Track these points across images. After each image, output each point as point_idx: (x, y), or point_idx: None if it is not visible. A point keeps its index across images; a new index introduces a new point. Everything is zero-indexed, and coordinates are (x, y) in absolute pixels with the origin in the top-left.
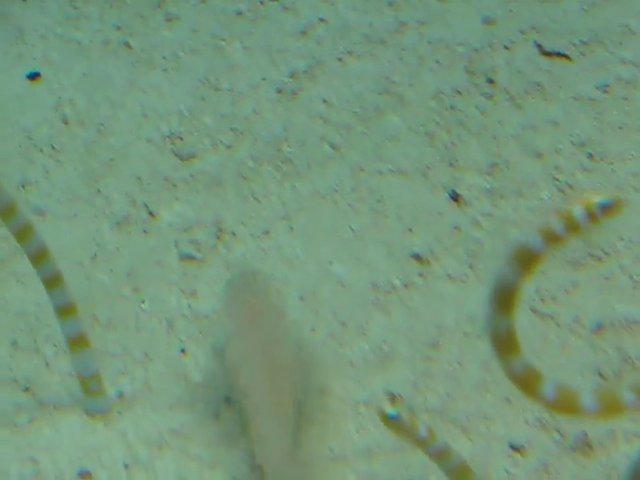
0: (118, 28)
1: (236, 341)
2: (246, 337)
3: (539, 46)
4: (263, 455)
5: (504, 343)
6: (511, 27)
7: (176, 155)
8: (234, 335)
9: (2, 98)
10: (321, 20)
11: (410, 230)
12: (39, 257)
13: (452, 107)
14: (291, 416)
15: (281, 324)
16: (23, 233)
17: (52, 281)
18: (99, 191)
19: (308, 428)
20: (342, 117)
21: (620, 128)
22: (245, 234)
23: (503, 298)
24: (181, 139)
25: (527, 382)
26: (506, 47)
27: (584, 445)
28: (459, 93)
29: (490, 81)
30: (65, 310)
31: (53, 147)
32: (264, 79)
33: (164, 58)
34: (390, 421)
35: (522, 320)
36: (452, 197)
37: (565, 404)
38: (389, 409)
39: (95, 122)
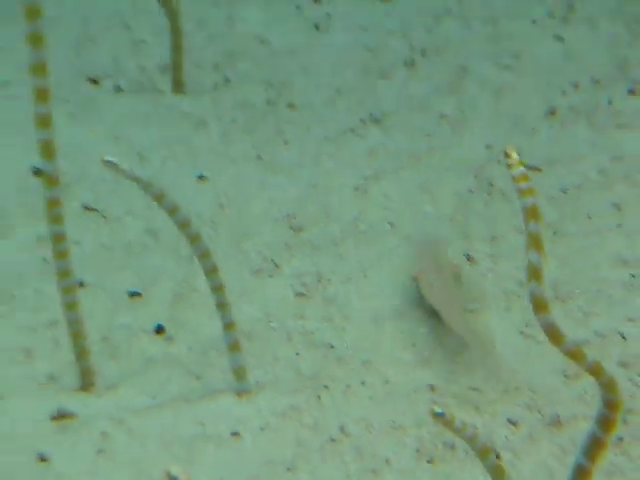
0: (254, 147)
1: (424, 272)
2: (431, 268)
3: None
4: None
5: (540, 304)
6: (503, 150)
7: (291, 228)
8: (423, 269)
9: (181, 192)
10: (382, 144)
11: None
12: (218, 289)
13: (466, 201)
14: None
15: (448, 261)
16: (211, 272)
17: (223, 306)
18: (241, 250)
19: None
20: (396, 205)
21: (573, 218)
22: (336, 280)
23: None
24: (295, 218)
25: (555, 333)
26: (500, 162)
27: (557, 422)
28: (471, 192)
29: (490, 184)
30: (229, 326)
31: (212, 222)
32: (346, 181)
33: (283, 168)
34: (438, 417)
35: (513, 339)
36: (467, 258)
37: (577, 355)
38: (437, 409)
39: (239, 206)
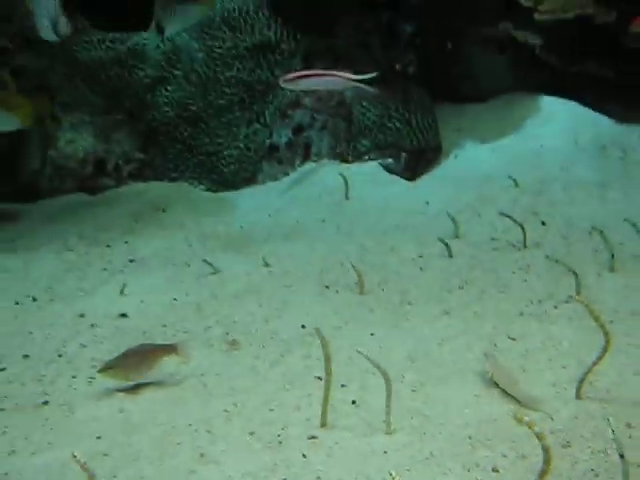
0: (396, 323)
1: (497, 377)
2: (499, 375)
3: None
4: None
5: None
6: None
7: (409, 359)
8: (495, 375)
9: (363, 343)
10: (449, 325)
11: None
12: (388, 397)
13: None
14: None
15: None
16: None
17: (388, 399)
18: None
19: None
20: (453, 354)
21: (520, 369)
22: (429, 385)
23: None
24: (412, 361)
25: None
26: (496, 346)
27: (524, 457)
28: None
29: (495, 344)
30: (387, 408)
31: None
32: (431, 346)
33: (405, 332)
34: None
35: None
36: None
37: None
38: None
39: (387, 349)
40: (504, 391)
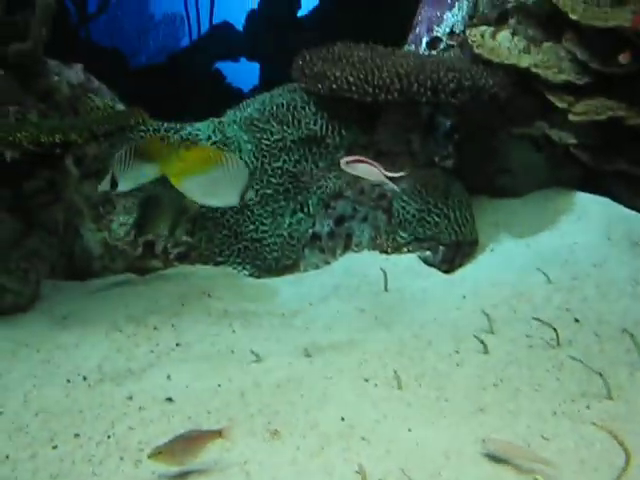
0: (440, 402)
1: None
2: (505, 449)
3: None
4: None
5: None
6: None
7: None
8: (501, 449)
9: (398, 439)
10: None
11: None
12: None
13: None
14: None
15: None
16: None
17: None
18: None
19: None
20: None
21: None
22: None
23: None
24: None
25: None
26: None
27: None
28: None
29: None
30: None
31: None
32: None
33: (440, 417)
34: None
35: None
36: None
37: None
38: None
39: (425, 436)
40: (518, 461)
